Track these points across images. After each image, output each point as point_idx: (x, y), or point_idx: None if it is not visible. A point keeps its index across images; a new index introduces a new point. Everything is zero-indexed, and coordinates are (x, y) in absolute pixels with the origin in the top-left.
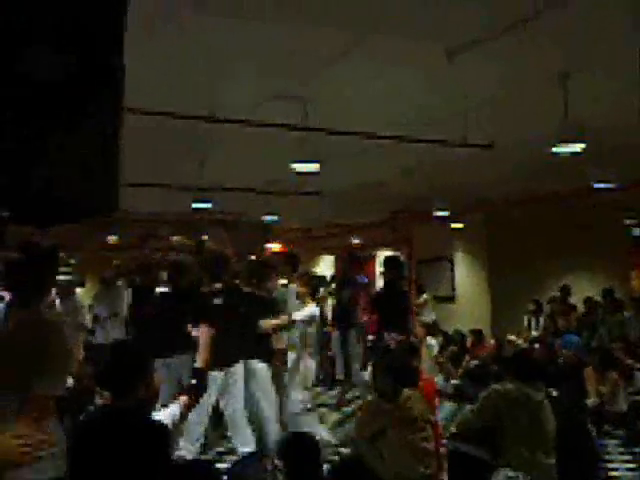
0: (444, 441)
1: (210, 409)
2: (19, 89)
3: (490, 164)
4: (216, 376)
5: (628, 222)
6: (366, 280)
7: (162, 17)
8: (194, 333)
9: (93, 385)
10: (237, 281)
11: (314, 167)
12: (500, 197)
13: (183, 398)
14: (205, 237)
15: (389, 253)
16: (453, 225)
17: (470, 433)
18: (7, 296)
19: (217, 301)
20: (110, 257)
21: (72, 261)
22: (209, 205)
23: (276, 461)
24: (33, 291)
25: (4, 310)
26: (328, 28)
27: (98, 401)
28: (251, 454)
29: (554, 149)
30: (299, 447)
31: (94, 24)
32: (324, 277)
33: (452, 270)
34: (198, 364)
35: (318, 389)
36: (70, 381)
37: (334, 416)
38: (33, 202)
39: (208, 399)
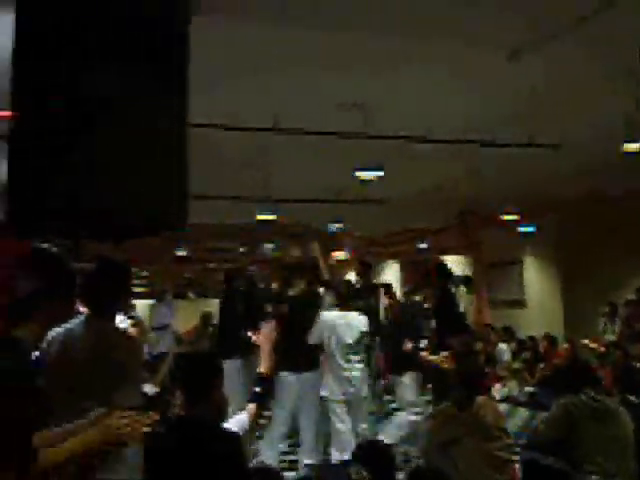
0: (516, 449)
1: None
2: (89, 104)
3: (558, 164)
4: (291, 381)
5: None
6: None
7: (228, 27)
8: (253, 338)
9: (170, 394)
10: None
11: (378, 174)
12: (571, 197)
13: (251, 407)
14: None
15: (455, 258)
16: (522, 228)
17: (544, 444)
18: (84, 310)
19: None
20: (181, 269)
21: (144, 274)
22: (274, 216)
23: (363, 472)
24: (108, 304)
25: (82, 323)
26: (388, 33)
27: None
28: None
29: (623, 147)
30: (377, 453)
31: (161, 37)
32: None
33: (522, 274)
34: (261, 370)
35: None
36: (152, 389)
37: None
38: (104, 218)
39: (286, 404)
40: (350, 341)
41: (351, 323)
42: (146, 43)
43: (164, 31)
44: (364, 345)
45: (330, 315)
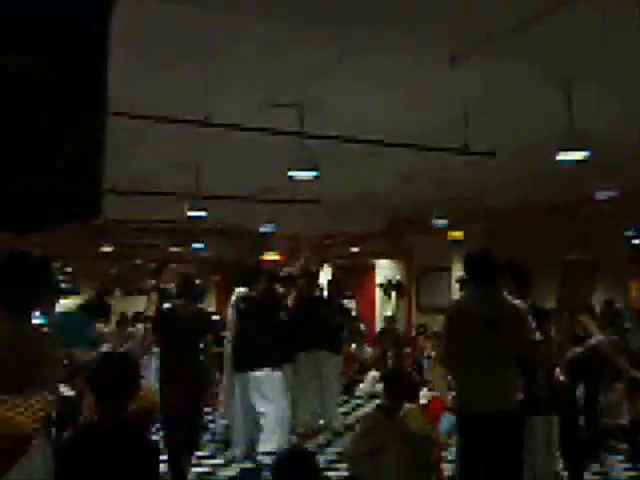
0: (444, 454)
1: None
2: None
3: (492, 172)
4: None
5: (628, 233)
6: None
7: (158, 20)
8: None
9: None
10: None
11: (312, 175)
12: (500, 206)
13: None
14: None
15: (387, 263)
16: (451, 234)
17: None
18: None
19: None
20: (106, 267)
21: (68, 270)
22: (204, 213)
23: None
24: (23, 301)
25: None
26: (327, 32)
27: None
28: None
29: (558, 157)
30: (295, 463)
31: (78, 31)
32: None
33: (450, 281)
34: None
35: None
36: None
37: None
38: (13, 208)
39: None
40: None
41: None
42: (61, 38)
43: (81, 29)
44: None
45: None
